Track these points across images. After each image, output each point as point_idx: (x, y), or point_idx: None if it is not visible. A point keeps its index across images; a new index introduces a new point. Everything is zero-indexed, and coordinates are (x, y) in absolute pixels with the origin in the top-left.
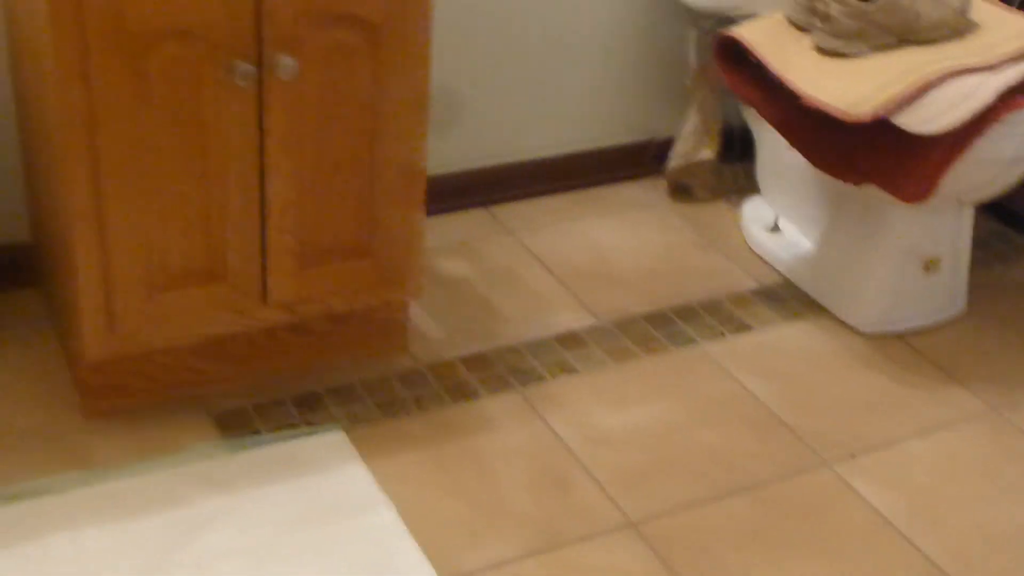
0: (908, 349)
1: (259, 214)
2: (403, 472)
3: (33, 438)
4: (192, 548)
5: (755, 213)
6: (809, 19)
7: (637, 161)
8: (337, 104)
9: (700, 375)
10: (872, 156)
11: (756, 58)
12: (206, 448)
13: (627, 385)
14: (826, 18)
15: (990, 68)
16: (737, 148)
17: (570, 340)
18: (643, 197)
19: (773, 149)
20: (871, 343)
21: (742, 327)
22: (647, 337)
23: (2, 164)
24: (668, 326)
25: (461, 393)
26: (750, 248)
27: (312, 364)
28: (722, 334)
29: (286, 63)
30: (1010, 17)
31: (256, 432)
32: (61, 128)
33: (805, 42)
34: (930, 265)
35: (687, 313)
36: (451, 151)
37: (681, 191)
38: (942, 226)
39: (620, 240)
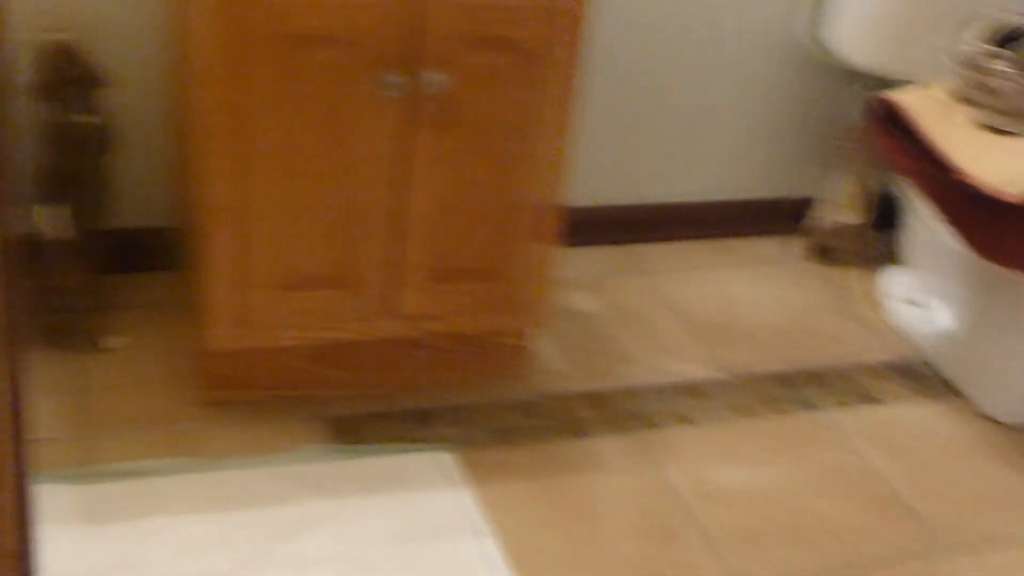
0: None
1: (396, 226)
2: (507, 502)
3: (149, 418)
4: (288, 549)
5: (896, 283)
6: (973, 92)
7: (775, 216)
8: (482, 125)
9: (822, 442)
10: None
11: (912, 126)
12: (315, 451)
13: (745, 443)
14: (991, 93)
15: None
16: (883, 215)
17: (692, 390)
18: (779, 254)
19: (922, 221)
20: (1008, 434)
21: (871, 399)
22: (771, 397)
23: (152, 151)
24: (794, 388)
25: (576, 429)
26: (887, 319)
27: (430, 380)
28: (850, 404)
29: (436, 79)
30: None
31: (366, 441)
32: (211, 123)
33: (965, 115)
34: None
35: (815, 377)
36: (596, 185)
37: (821, 252)
38: None
39: (753, 294)
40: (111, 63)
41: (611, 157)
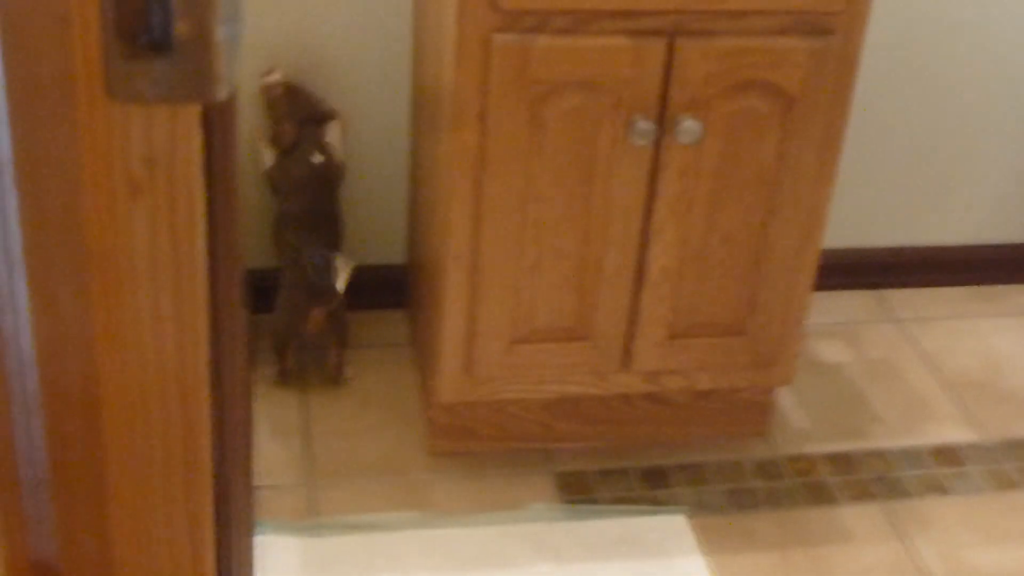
0: None
1: (635, 278)
2: (744, 574)
3: (377, 467)
4: None
5: None
6: None
7: None
8: (735, 173)
9: None
10: None
11: None
12: (544, 510)
13: (1006, 518)
14: None
15: None
16: None
17: (946, 455)
18: None
19: None
20: None
21: None
22: None
23: (392, 190)
24: None
25: (818, 495)
26: None
27: (664, 437)
28: None
29: (690, 126)
30: None
31: (596, 499)
32: (451, 167)
33: None
34: None
35: None
36: (848, 226)
37: None
38: None
39: (1018, 348)
40: (339, 97)
41: (865, 197)
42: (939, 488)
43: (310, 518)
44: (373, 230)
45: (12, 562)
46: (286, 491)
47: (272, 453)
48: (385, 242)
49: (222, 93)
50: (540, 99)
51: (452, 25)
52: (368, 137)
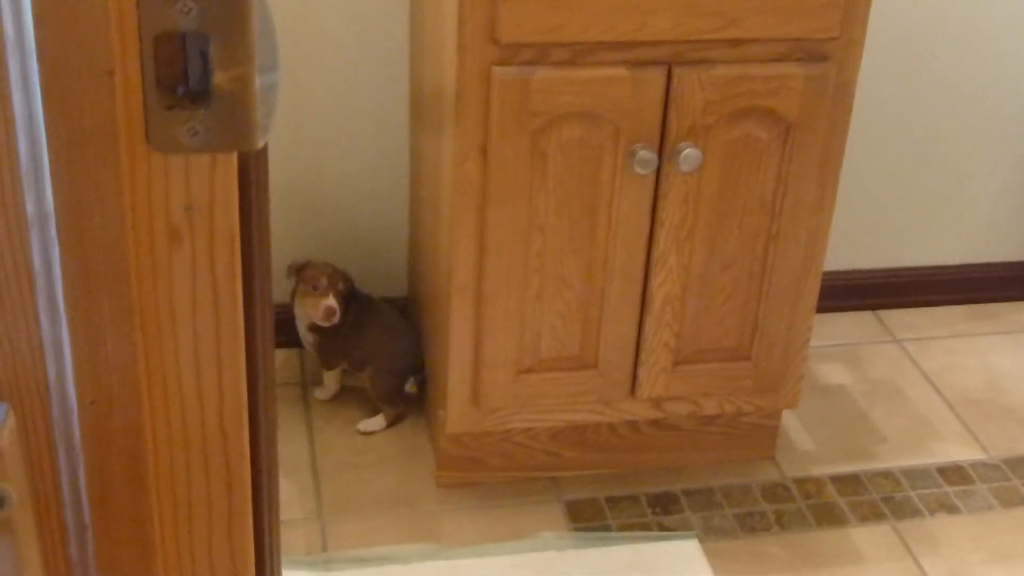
0: None
1: (639, 305)
2: None
3: (386, 500)
4: None
5: None
6: None
7: None
8: (736, 200)
9: None
10: None
11: None
12: (554, 538)
13: (1015, 536)
14: None
15: None
16: None
17: (954, 474)
18: None
19: None
20: None
21: None
22: None
23: (393, 224)
24: None
25: (827, 516)
26: None
27: (671, 462)
28: None
29: (691, 154)
30: None
31: (606, 526)
32: (454, 200)
33: None
34: None
35: None
36: (846, 247)
37: None
38: None
39: (1017, 366)
40: (336, 132)
41: (863, 218)
42: (948, 507)
43: (321, 552)
44: (374, 265)
45: None
46: (296, 526)
47: (282, 489)
48: (386, 276)
49: (260, 142)
50: (541, 131)
51: (452, 60)
52: (367, 171)
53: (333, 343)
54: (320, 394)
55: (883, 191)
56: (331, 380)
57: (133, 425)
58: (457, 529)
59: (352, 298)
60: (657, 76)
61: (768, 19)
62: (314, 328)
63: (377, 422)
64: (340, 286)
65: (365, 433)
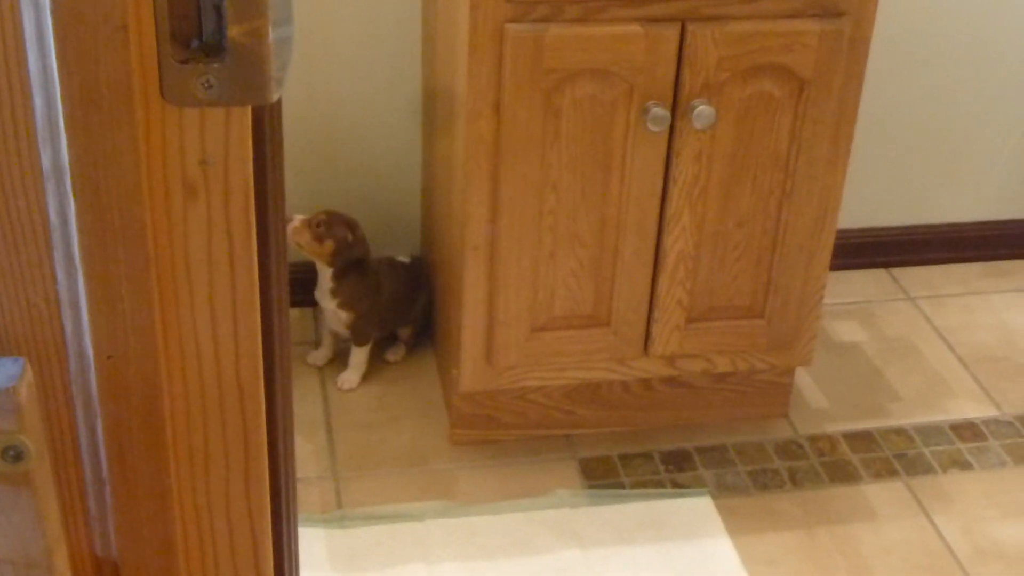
0: None
1: (653, 263)
2: (770, 553)
3: (400, 458)
4: None
5: None
6: None
7: None
8: (749, 157)
9: None
10: None
11: None
12: (569, 496)
13: None
14: None
15: None
16: None
17: (967, 431)
18: None
19: None
20: None
21: None
22: None
23: (407, 185)
24: None
25: (840, 473)
26: None
27: (685, 420)
28: None
29: (704, 111)
30: None
31: (620, 484)
32: (467, 158)
33: None
34: None
35: None
36: (861, 205)
37: None
38: None
39: None
40: (348, 95)
41: (877, 175)
42: (961, 463)
43: (335, 510)
44: (387, 226)
45: (76, 559)
46: (311, 484)
47: (297, 446)
48: (400, 237)
49: (274, 95)
50: (554, 88)
51: (465, 17)
52: (379, 134)
53: (369, 318)
54: (314, 359)
55: (898, 148)
56: (359, 357)
57: (150, 380)
58: (471, 487)
59: (364, 267)
60: (671, 33)
61: None
62: (345, 305)
63: (397, 350)
64: (339, 231)
65: (393, 362)
